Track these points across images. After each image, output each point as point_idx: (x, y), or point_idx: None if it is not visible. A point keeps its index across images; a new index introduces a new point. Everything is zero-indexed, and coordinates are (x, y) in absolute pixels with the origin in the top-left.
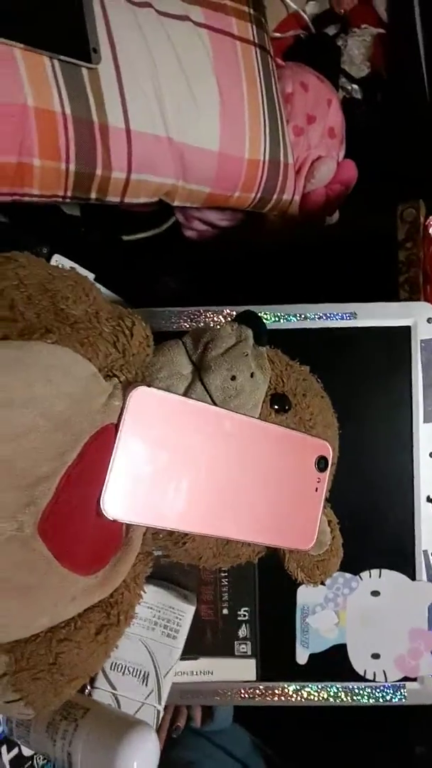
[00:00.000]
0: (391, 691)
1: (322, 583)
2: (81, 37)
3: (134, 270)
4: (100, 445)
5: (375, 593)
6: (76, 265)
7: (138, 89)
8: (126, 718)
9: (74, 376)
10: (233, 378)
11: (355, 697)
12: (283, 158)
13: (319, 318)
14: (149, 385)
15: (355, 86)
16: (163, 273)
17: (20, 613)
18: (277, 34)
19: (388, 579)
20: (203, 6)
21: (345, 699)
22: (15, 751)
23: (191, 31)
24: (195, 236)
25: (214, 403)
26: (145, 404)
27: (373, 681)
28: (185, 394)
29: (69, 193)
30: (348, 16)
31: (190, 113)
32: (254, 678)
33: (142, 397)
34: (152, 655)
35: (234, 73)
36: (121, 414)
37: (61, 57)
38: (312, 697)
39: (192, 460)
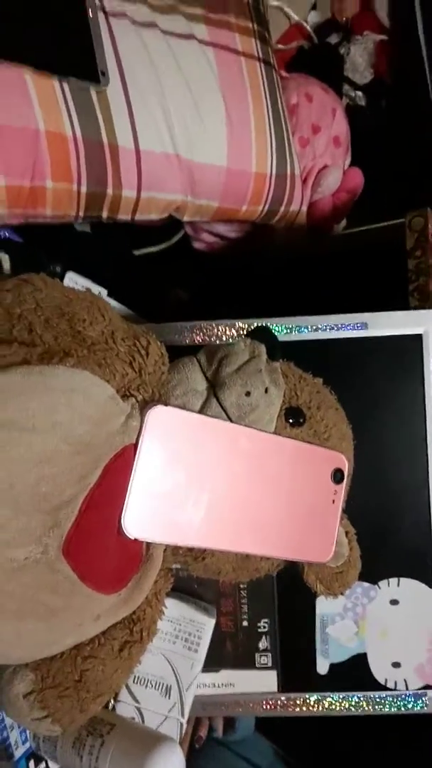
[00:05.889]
0: (413, 700)
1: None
2: (89, 60)
3: (145, 283)
4: (120, 466)
5: (394, 602)
6: (89, 283)
7: (146, 109)
8: (152, 733)
9: (94, 399)
10: (248, 394)
11: (376, 707)
12: (290, 170)
13: (330, 329)
14: (166, 404)
15: (359, 93)
16: (173, 285)
17: (47, 635)
18: (281, 46)
19: (407, 587)
20: (208, 24)
21: (366, 708)
22: (42, 765)
23: (196, 49)
24: (204, 248)
25: (230, 420)
26: (163, 423)
27: (394, 690)
28: (201, 410)
29: (81, 213)
30: (350, 24)
31: (198, 130)
32: (275, 689)
33: (159, 415)
34: (174, 669)
35: (239, 89)
36: (139, 434)
37: (71, 79)
38: (333, 707)
39: (210, 476)
